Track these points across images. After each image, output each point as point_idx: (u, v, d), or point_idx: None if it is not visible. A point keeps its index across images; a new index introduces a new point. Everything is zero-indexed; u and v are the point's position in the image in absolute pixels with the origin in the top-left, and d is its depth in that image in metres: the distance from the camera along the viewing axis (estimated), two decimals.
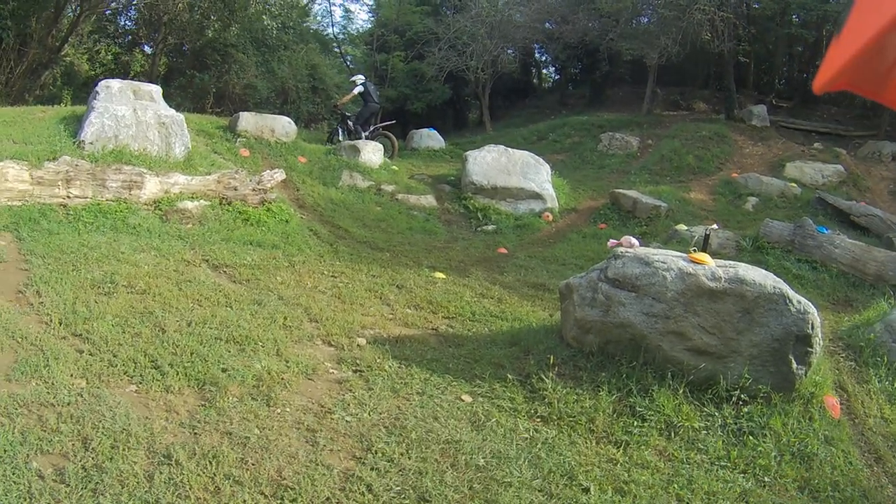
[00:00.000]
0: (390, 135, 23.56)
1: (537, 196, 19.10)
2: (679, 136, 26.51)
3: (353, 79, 23.87)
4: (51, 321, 7.68)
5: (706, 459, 6.10)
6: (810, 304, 7.18)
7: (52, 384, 6.18)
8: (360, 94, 23.02)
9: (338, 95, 35.16)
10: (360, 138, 21.90)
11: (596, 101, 36.62)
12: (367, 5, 49.04)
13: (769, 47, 32.99)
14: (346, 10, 69.03)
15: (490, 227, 17.68)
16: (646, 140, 27.14)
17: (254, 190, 14.40)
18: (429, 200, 18.70)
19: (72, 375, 6.43)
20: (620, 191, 19.48)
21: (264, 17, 28.09)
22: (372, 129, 23.07)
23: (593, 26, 32.66)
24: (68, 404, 5.88)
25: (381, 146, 21.14)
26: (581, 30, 32.37)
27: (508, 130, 33.18)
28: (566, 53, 36.62)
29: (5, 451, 5.14)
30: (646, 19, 32.10)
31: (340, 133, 22.72)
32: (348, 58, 48.95)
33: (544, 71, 48.01)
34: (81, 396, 6.04)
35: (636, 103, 33.20)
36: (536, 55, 44.29)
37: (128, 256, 10.42)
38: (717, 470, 5.94)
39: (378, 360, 7.67)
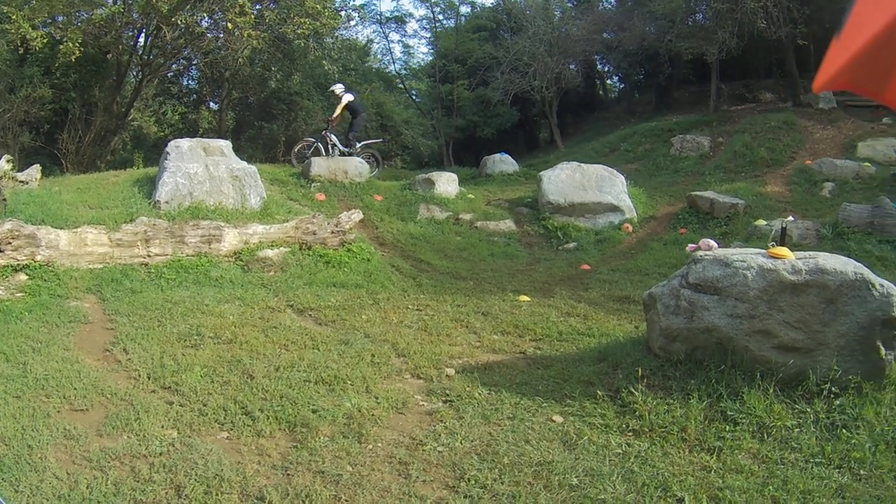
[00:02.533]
0: (376, 153, 23.45)
1: (615, 208, 19.04)
2: (748, 130, 26.34)
3: (334, 88, 23.30)
4: (139, 376, 7.84)
5: (800, 458, 5.99)
6: (893, 286, 7.03)
7: (144, 436, 6.32)
8: (349, 104, 22.45)
9: (407, 131, 35.37)
10: (354, 154, 21.87)
11: (663, 105, 36.46)
12: (426, 38, 49.36)
13: (826, 26, 32.37)
14: (406, 46, 68.98)
15: (571, 245, 17.61)
16: (716, 138, 26.96)
17: (333, 232, 14.51)
18: (508, 225, 18.71)
19: (163, 427, 6.56)
20: (697, 193, 19.33)
21: (324, 62, 28.17)
22: (360, 145, 22.84)
23: (650, 30, 32.66)
24: (160, 454, 6.00)
25: (455, 176, 21.12)
26: (638, 35, 32.36)
27: (580, 146, 33.21)
28: (627, 61, 36.57)
29: (99, 502, 5.26)
30: (700, 16, 31.89)
31: (331, 151, 22.03)
32: (413, 92, 49.32)
33: (608, 81, 48.03)
34: (173, 446, 6.16)
35: (703, 102, 33.03)
36: (598, 66, 44.31)
37: (212, 308, 10.59)
38: (811, 467, 5.82)
39: (467, 389, 7.68)
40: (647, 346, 8.35)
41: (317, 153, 21.81)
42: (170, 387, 7.56)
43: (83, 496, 5.32)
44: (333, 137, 22.23)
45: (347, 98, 22.37)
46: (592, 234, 18.23)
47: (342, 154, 21.85)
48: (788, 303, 7.02)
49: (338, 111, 22.56)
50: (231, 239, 13.53)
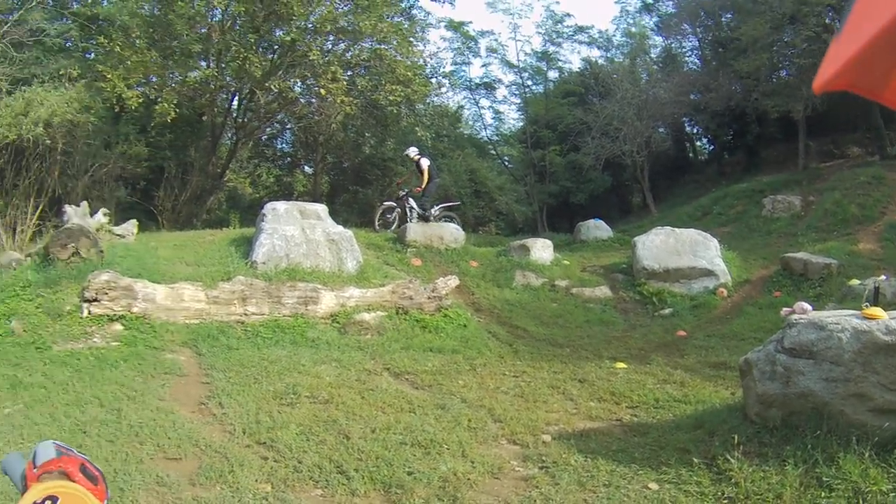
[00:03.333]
0: (454, 216, 23.20)
1: (709, 273, 18.81)
2: (838, 186, 25.89)
3: (408, 152, 23.13)
4: (234, 430, 7.99)
5: None
6: None
7: (237, 488, 6.43)
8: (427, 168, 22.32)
9: (501, 197, 35.42)
10: (431, 218, 21.71)
11: (752, 165, 36.00)
12: (515, 104, 49.28)
13: None
14: (496, 112, 69.03)
15: (666, 311, 17.46)
16: (807, 197, 26.54)
17: (429, 298, 14.67)
18: (603, 291, 18.59)
19: (257, 480, 6.68)
20: (790, 255, 19.04)
21: (417, 128, 28.41)
22: (438, 207, 22.58)
23: (736, 89, 32.49)
24: None
25: (549, 243, 21.12)
26: (725, 95, 32.22)
27: (672, 209, 33.01)
28: (716, 122, 36.36)
29: None
30: (785, 72, 31.67)
31: (409, 214, 21.76)
32: (505, 158, 49.34)
33: (698, 143, 47.55)
34: (266, 500, 6.27)
35: (791, 160, 32.59)
36: (687, 128, 44.03)
37: (308, 368, 10.74)
38: None
39: (563, 455, 7.64)
40: (744, 413, 8.25)
41: (399, 217, 21.92)
42: (265, 442, 7.69)
43: None
44: (412, 201, 22.14)
45: (426, 163, 22.20)
46: (688, 299, 18.03)
47: (420, 217, 21.76)
48: (883, 364, 6.93)
49: (425, 179, 22.04)
50: (328, 301, 13.75)
